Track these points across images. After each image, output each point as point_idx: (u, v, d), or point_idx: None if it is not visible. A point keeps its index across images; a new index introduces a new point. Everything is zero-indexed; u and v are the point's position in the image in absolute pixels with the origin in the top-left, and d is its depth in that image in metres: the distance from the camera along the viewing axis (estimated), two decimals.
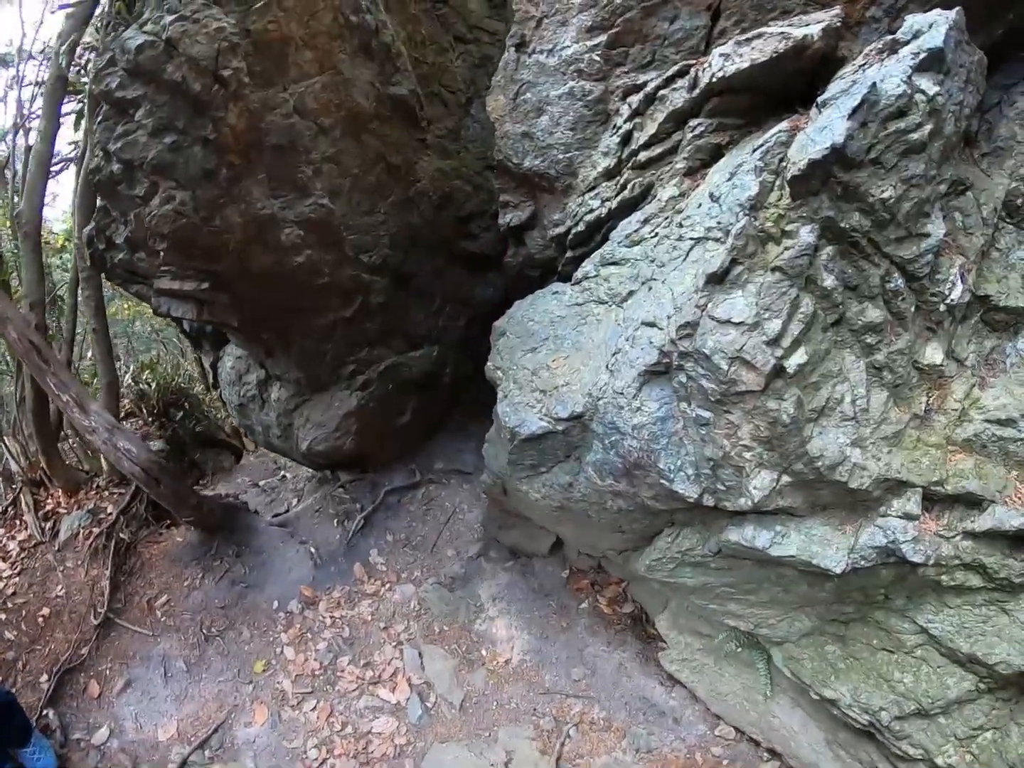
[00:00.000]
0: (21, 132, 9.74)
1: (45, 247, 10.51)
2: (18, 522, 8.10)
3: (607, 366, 4.89)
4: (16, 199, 8.91)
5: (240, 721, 6.51)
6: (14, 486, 8.43)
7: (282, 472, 10.55)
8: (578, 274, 5.76)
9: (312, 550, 8.04)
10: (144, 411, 10.97)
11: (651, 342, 4.51)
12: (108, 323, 8.84)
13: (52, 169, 14.64)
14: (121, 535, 7.83)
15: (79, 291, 8.80)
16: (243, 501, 8.60)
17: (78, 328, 10.02)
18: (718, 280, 4.07)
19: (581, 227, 6.10)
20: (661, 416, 4.51)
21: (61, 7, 8.08)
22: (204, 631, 7.25)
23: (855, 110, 3.79)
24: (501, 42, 7.39)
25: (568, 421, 5.08)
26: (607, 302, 5.43)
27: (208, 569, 7.74)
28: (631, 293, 5.19)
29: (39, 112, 8.34)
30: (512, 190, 6.61)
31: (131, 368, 12.03)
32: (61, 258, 11.76)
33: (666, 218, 5.24)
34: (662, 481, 4.53)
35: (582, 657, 6.75)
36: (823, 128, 3.87)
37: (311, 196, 6.46)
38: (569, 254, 6.32)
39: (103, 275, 7.56)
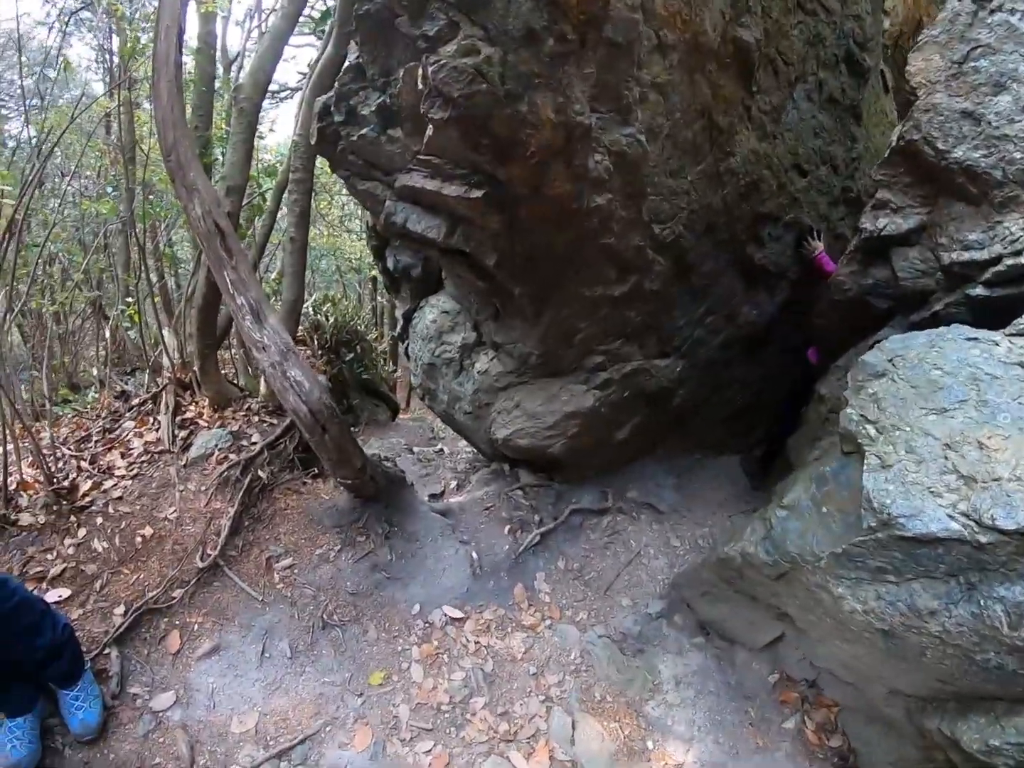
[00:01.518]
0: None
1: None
2: (152, 420, 5.60)
3: None
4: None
5: (335, 739, 3.92)
6: (160, 381, 5.89)
7: (439, 444, 7.43)
8: None
9: (474, 555, 5.19)
10: (315, 343, 8.26)
11: None
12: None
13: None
14: (260, 472, 5.15)
15: (286, 194, 5.80)
16: (403, 471, 5.51)
17: (274, 238, 7.08)
18: None
19: None
20: None
21: None
22: (324, 616, 4.53)
23: None
24: (835, 23, 5.03)
25: (1009, 535, 2.55)
26: None
27: (349, 543, 4.98)
28: None
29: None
30: (903, 187, 3.82)
31: (312, 297, 9.03)
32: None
33: None
34: None
35: None
36: None
37: (630, 125, 3.73)
38: (978, 292, 3.55)
39: (329, 161, 4.60)
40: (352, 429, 7.70)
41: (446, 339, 5.46)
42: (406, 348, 6.02)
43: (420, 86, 3.23)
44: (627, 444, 5.36)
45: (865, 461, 3.06)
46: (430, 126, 3.32)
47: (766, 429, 5.95)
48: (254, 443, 5.32)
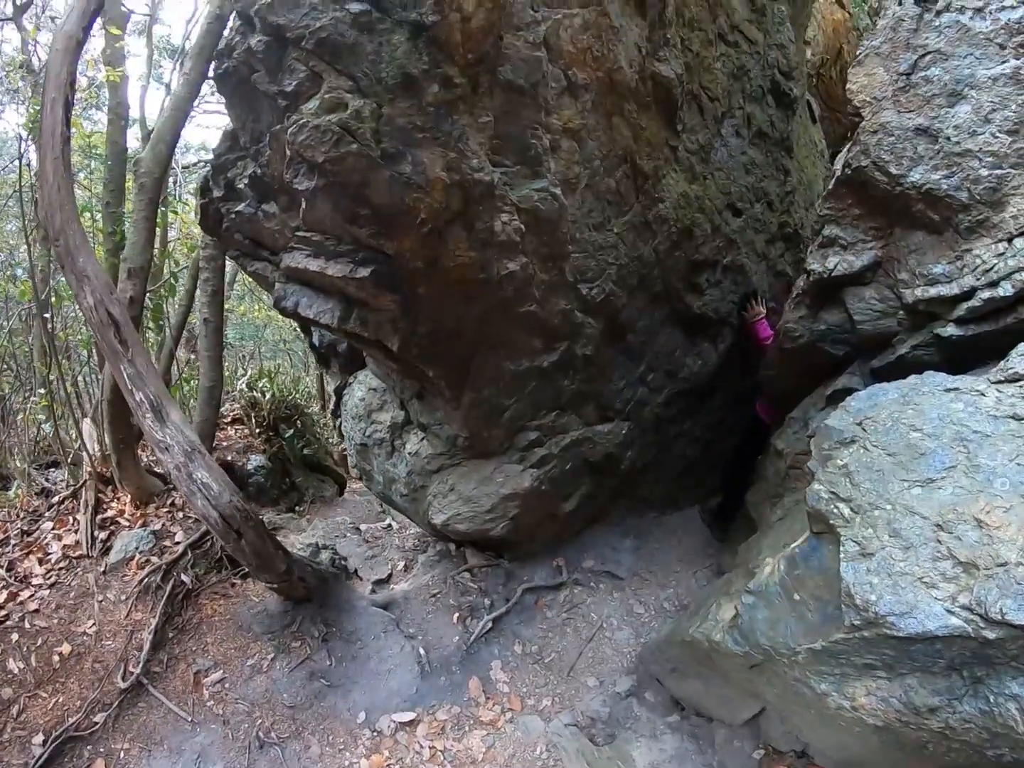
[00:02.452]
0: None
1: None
2: (71, 520, 4.83)
3: None
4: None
5: None
6: (80, 476, 5.08)
7: (388, 519, 6.48)
8: (1017, 366, 2.42)
9: (421, 651, 4.34)
10: (253, 421, 7.38)
11: None
12: (227, 318, 5.09)
13: None
14: (183, 576, 4.37)
15: (200, 273, 5.02)
16: (342, 563, 4.92)
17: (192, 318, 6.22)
18: None
19: (1004, 291, 2.61)
20: None
21: None
22: (260, 733, 3.73)
23: None
24: (759, 54, 4.51)
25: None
26: None
27: (283, 649, 4.14)
28: None
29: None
30: (852, 221, 3.09)
31: (248, 373, 8.03)
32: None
33: None
34: None
35: None
36: None
37: (542, 178, 3.04)
38: (951, 331, 2.83)
39: (218, 240, 4.13)
40: (297, 508, 6.87)
41: (376, 418, 4.72)
42: (339, 425, 5.20)
43: (287, 152, 2.49)
44: (576, 514, 4.61)
45: (841, 548, 2.38)
46: (302, 200, 2.58)
47: (719, 479, 5.23)
48: (177, 543, 4.59)
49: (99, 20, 4.09)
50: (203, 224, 3.53)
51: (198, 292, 5.30)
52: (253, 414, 6.98)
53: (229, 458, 6.27)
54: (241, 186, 3.09)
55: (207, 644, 4.13)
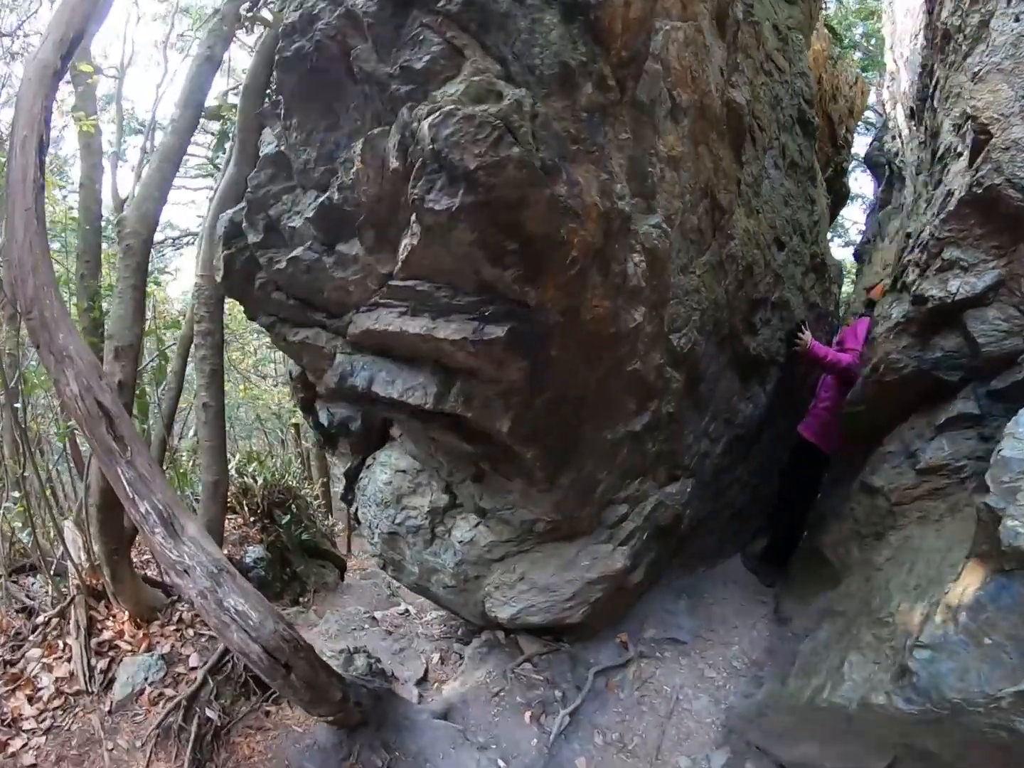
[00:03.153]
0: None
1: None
2: (61, 645, 3.47)
3: None
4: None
5: None
6: (66, 590, 3.77)
7: (402, 604, 5.42)
8: None
9: (500, 762, 3.31)
10: (246, 509, 6.10)
11: None
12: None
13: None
14: (207, 711, 3.16)
15: (192, 350, 3.97)
16: (379, 667, 3.82)
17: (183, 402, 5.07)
18: None
19: None
20: None
21: None
22: None
23: None
24: (787, 83, 4.00)
25: None
26: None
27: None
28: None
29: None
30: (974, 240, 2.66)
31: (235, 457, 6.77)
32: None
33: None
34: None
35: None
36: None
37: (655, 212, 2.35)
38: None
39: (244, 304, 2.91)
40: (301, 600, 5.71)
41: (408, 503, 3.80)
42: (355, 512, 4.19)
43: (393, 164, 1.67)
44: (642, 584, 3.79)
45: None
46: (413, 230, 1.74)
47: (766, 520, 4.59)
48: (193, 668, 3.43)
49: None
50: (227, 281, 2.59)
51: (194, 373, 4.20)
52: (246, 501, 5.94)
53: (226, 551, 5.08)
54: (295, 224, 2.24)
55: None
